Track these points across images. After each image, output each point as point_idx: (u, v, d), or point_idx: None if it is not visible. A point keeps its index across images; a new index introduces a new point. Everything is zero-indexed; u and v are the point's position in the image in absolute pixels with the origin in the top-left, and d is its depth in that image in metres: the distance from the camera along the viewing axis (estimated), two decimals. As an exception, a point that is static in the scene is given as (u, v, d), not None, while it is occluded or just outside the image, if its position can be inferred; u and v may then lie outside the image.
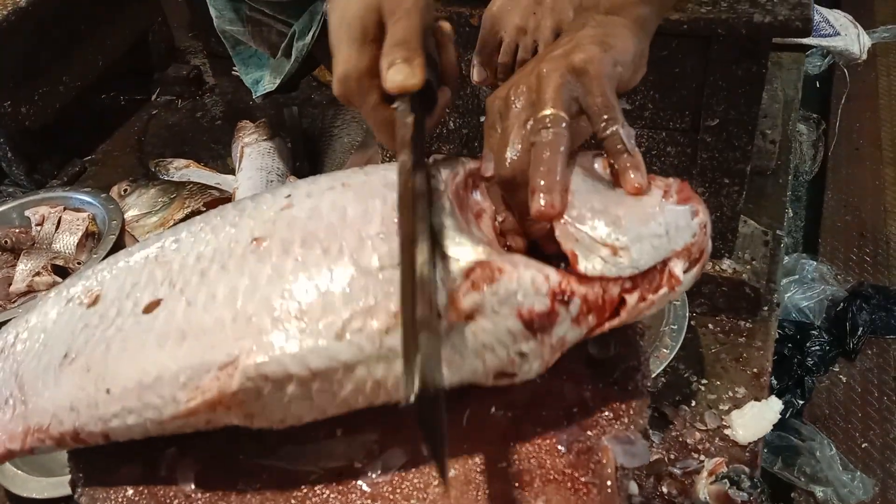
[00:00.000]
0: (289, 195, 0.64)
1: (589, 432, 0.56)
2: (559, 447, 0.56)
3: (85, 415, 0.57)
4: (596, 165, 0.64)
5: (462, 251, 0.55)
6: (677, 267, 0.57)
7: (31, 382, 0.60)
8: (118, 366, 0.57)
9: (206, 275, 0.59)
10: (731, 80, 1.08)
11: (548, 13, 1.04)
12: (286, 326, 0.54)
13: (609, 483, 0.53)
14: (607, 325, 0.57)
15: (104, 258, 1.31)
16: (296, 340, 0.53)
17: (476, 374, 0.56)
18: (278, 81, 1.61)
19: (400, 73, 0.64)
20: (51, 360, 0.60)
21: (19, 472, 1.05)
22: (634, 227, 0.56)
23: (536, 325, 0.54)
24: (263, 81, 1.65)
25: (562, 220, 0.57)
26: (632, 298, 0.56)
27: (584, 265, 0.55)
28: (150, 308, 0.59)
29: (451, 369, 0.54)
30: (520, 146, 0.60)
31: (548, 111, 0.59)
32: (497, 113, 0.64)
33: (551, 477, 0.54)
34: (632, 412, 0.57)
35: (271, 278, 0.57)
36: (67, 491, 0.61)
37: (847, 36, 1.76)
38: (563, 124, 0.59)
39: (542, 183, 0.57)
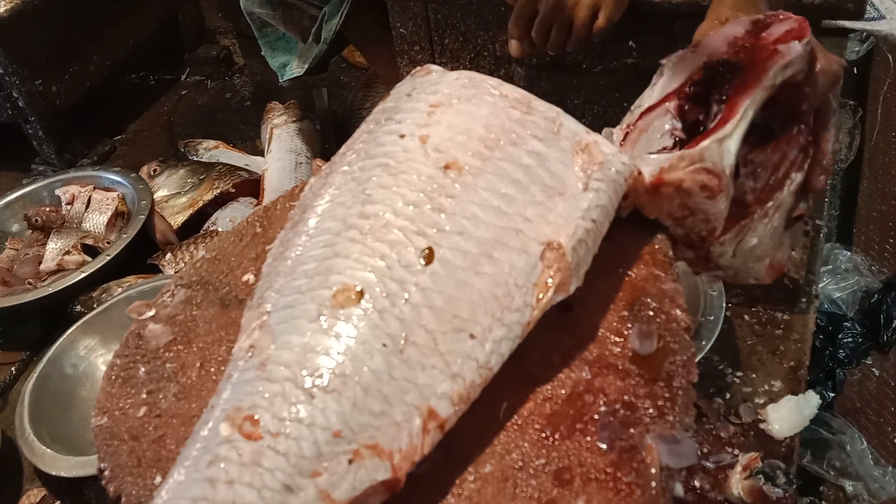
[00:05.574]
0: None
1: (632, 430, 0.54)
2: (600, 445, 0.54)
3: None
4: None
5: None
6: None
7: None
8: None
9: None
10: (777, 64, 1.05)
11: None
12: None
13: (653, 484, 0.51)
14: None
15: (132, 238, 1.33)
16: None
17: None
18: (307, 66, 1.59)
19: None
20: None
21: (48, 450, 1.04)
22: None
23: None
24: (291, 66, 1.62)
25: None
26: None
27: None
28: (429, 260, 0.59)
29: None
30: None
31: None
32: None
33: (592, 476, 0.52)
34: (677, 409, 0.55)
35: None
36: (95, 471, 0.60)
37: (892, 20, 1.71)
38: None
39: None
